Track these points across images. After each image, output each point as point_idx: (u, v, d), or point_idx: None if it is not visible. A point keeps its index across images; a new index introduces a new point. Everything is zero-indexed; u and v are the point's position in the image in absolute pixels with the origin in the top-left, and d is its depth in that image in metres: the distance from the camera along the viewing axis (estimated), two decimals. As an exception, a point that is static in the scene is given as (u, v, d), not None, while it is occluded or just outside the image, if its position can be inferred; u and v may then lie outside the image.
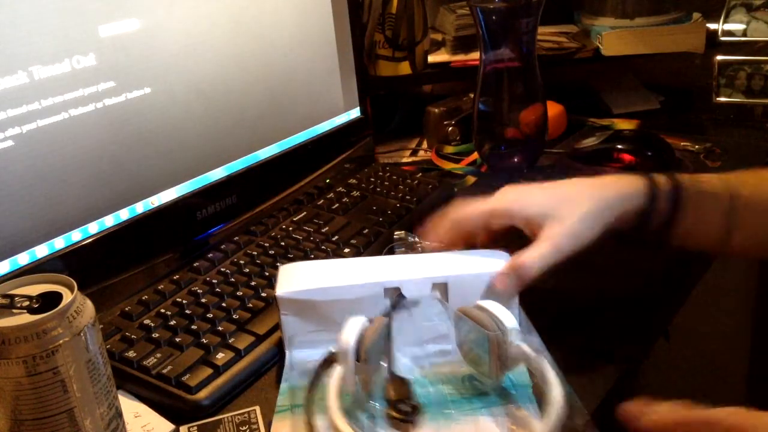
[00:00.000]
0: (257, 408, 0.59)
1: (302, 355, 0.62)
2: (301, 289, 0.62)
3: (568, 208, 0.62)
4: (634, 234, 0.66)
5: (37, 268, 0.67)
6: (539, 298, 0.63)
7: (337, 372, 0.56)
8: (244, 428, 0.57)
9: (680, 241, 0.66)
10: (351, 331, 0.56)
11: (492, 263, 0.63)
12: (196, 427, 0.57)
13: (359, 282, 0.62)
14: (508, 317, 0.56)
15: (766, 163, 0.69)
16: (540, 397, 0.55)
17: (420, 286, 0.62)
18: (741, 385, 1.42)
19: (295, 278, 0.63)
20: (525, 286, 0.61)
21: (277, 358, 0.65)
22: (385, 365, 0.58)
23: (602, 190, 0.65)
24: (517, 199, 0.66)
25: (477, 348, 0.58)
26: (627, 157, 0.93)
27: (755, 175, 0.68)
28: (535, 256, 0.60)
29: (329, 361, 0.57)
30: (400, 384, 0.57)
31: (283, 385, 0.60)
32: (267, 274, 0.73)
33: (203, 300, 0.69)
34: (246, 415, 0.58)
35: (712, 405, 0.45)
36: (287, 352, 0.63)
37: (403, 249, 0.72)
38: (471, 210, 0.66)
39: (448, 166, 1.01)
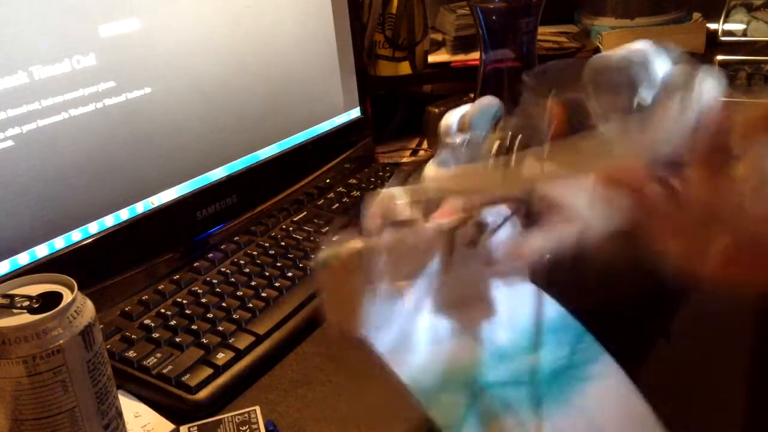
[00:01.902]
0: (257, 408, 0.59)
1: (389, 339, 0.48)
2: None
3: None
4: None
5: (37, 268, 0.67)
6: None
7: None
8: (244, 428, 0.57)
9: None
10: (456, 112, 0.50)
11: None
12: (196, 427, 0.57)
13: None
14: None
15: None
16: None
17: None
18: (742, 386, 1.42)
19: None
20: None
21: (277, 358, 0.65)
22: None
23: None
24: None
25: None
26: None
27: None
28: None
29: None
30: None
31: None
32: (267, 274, 0.73)
33: (203, 300, 0.69)
34: (246, 415, 0.58)
35: (712, 406, 0.45)
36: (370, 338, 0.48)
37: None
38: None
39: (448, 166, 1.01)
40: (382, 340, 0.48)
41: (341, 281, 0.48)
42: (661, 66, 0.47)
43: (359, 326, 0.47)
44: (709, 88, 0.45)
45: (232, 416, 0.58)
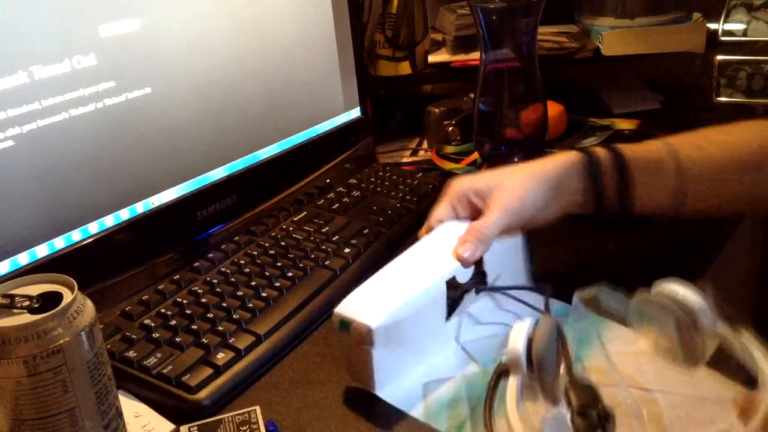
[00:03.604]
0: (257, 408, 0.59)
1: (398, 391, 0.58)
2: (389, 311, 0.56)
3: (508, 179, 0.68)
4: (595, 213, 0.69)
5: (37, 268, 0.67)
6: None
7: (511, 382, 0.53)
8: (244, 428, 0.57)
9: (639, 210, 0.69)
10: (518, 336, 0.52)
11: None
12: (196, 427, 0.57)
13: (428, 283, 0.60)
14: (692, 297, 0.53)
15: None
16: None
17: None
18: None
19: (367, 303, 0.58)
20: (486, 249, 0.64)
21: (277, 358, 0.65)
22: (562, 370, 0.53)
23: (542, 167, 0.68)
24: (468, 179, 0.70)
25: (663, 335, 0.55)
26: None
27: (696, 135, 0.71)
28: (489, 220, 0.65)
29: (501, 373, 0.55)
30: (583, 388, 0.51)
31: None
32: (267, 274, 0.73)
33: (203, 300, 0.69)
34: (246, 415, 0.58)
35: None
36: (380, 394, 0.58)
37: None
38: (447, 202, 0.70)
39: (449, 166, 1.01)
40: (390, 394, 0.58)
41: (351, 346, 0.58)
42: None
43: (369, 384, 0.58)
44: None
45: (232, 416, 0.58)
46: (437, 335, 0.63)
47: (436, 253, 0.64)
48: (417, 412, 0.57)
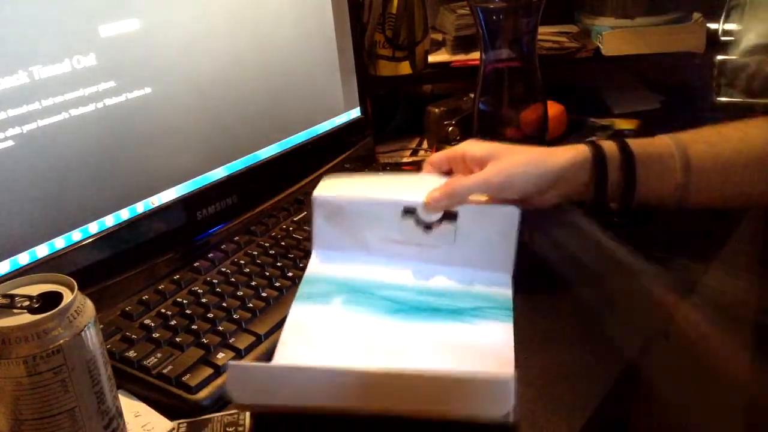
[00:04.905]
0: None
1: (329, 254, 0.72)
2: (335, 194, 0.72)
3: (508, 156, 0.70)
4: (595, 205, 0.70)
5: (37, 268, 0.67)
6: (539, 298, 0.63)
7: None
8: (230, 429, 0.56)
9: (639, 205, 0.70)
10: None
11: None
12: (185, 424, 0.57)
13: (384, 199, 0.71)
14: None
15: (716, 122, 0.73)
16: None
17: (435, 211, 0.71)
18: (742, 386, 1.42)
19: (333, 187, 0.74)
20: (451, 205, 0.69)
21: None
22: None
23: (548, 156, 0.69)
24: (472, 144, 0.74)
25: None
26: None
27: (707, 131, 0.71)
28: (466, 182, 0.69)
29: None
30: None
31: (309, 275, 0.70)
32: (267, 273, 0.73)
33: (203, 300, 0.69)
34: (235, 416, 0.58)
35: (713, 406, 0.45)
36: (314, 252, 0.72)
37: None
38: (445, 153, 0.75)
39: (449, 166, 1.01)
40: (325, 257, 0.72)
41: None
42: None
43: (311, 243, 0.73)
44: None
45: (221, 416, 0.58)
46: (385, 246, 0.72)
47: (407, 184, 0.75)
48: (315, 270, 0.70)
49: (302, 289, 0.68)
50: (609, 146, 0.69)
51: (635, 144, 0.70)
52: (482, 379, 0.54)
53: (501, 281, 0.69)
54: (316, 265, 0.71)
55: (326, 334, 0.64)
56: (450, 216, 0.70)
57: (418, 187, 0.71)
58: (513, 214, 0.69)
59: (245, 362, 0.62)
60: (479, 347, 0.62)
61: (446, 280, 0.70)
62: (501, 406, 0.52)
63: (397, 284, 0.70)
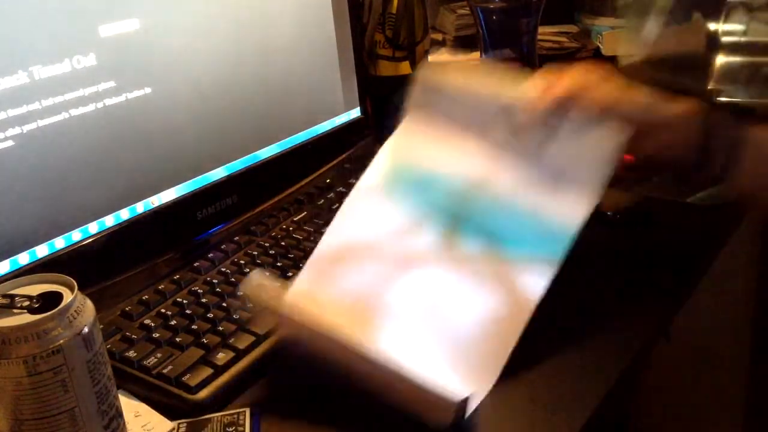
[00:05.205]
0: (246, 410, 0.58)
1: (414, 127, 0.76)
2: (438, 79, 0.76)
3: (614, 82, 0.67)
4: (693, 171, 0.66)
5: (37, 268, 0.67)
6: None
7: None
8: (230, 429, 0.56)
9: (738, 183, 0.65)
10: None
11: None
12: (185, 424, 0.57)
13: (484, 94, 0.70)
14: None
15: None
16: None
17: None
18: (742, 386, 1.42)
19: (437, 70, 0.78)
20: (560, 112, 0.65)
21: (276, 360, 0.65)
22: None
23: (657, 100, 0.67)
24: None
25: None
26: (626, 155, 0.93)
27: None
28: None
29: None
30: None
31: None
32: (267, 273, 0.73)
33: (203, 300, 0.69)
34: (235, 416, 0.58)
35: (713, 405, 0.45)
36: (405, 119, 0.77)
37: None
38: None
39: (448, 166, 1.01)
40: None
41: None
42: None
43: None
44: None
45: (221, 416, 0.58)
46: (469, 141, 0.70)
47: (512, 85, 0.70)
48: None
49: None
50: (718, 115, 0.66)
51: (755, 128, 0.66)
52: (431, 390, 0.54)
53: (573, 212, 0.63)
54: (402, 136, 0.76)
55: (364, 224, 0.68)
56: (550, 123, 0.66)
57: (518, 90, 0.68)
58: (617, 134, 0.64)
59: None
60: (483, 325, 0.60)
61: (512, 191, 0.66)
62: (443, 416, 0.53)
63: (458, 185, 0.68)
